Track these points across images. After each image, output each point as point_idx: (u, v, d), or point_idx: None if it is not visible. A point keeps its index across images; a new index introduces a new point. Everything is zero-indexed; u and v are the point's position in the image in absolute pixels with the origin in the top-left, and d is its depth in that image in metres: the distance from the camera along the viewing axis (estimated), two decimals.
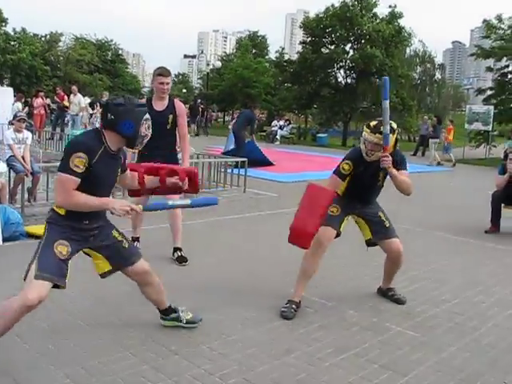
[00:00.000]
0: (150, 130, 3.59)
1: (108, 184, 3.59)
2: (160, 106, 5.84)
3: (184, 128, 6.05)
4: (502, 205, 8.67)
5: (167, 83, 5.84)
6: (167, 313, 4.10)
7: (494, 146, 26.98)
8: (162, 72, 5.83)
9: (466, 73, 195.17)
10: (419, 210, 10.00)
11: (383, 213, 4.98)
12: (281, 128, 30.01)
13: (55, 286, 3.34)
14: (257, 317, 4.45)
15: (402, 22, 32.50)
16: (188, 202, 3.88)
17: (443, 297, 5.26)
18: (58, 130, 20.20)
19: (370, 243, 5.02)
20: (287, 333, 4.18)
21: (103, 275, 3.74)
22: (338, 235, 4.81)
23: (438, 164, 21.05)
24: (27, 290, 3.22)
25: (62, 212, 3.43)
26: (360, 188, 4.82)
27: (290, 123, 32.53)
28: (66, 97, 21.12)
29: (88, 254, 3.70)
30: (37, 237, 5.95)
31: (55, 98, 22.25)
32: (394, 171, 4.58)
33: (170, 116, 5.87)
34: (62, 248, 3.38)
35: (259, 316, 4.46)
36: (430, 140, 22.02)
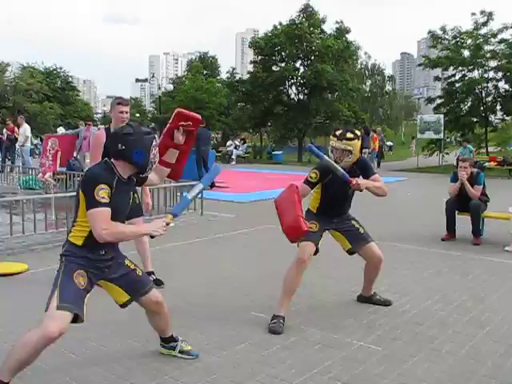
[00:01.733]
0: (158, 156, 3.64)
1: (124, 211, 3.61)
2: None
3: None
4: (456, 212, 8.85)
5: (126, 112, 5.85)
6: (168, 341, 4.10)
7: (447, 154, 27.57)
8: (121, 101, 5.88)
9: (416, 83, 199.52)
10: (376, 222, 10.06)
11: (355, 220, 5.23)
12: (236, 148, 30.08)
13: (73, 321, 3.31)
14: (218, 341, 4.40)
15: (349, 36, 33.14)
16: (200, 185, 3.77)
17: (403, 308, 5.32)
18: (8, 162, 19.86)
19: (350, 252, 5.25)
20: (250, 356, 4.14)
21: (124, 305, 3.77)
22: (316, 251, 4.94)
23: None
24: (48, 322, 3.20)
25: (78, 243, 3.44)
26: (333, 199, 5.02)
27: (245, 142, 32.67)
28: (15, 128, 20.80)
29: (101, 286, 3.69)
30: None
31: (4, 130, 21.91)
32: (368, 184, 4.81)
33: None
34: (81, 278, 3.40)
35: (221, 341, 4.42)
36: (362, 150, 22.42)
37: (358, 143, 4.82)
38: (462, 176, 8.47)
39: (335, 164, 4.72)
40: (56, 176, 14.02)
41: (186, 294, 5.71)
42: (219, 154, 30.74)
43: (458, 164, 10.00)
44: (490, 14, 25.98)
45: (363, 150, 21.72)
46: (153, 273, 6.06)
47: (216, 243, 8.42)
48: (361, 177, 4.97)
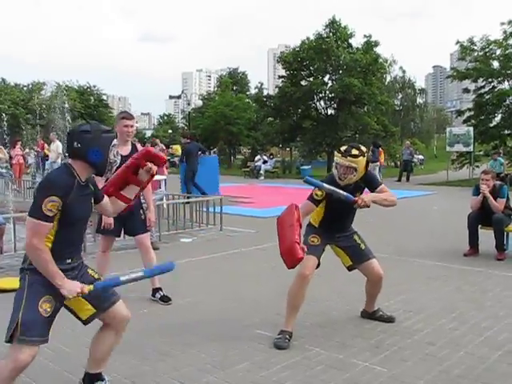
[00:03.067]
0: (119, 157, 3.47)
1: (84, 217, 3.41)
2: (124, 150, 5.75)
3: None
4: (480, 226, 8.59)
5: (131, 126, 5.88)
6: (92, 379, 3.62)
7: (477, 167, 27.03)
8: (125, 115, 5.91)
9: (449, 95, 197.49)
10: (399, 237, 9.89)
11: (357, 235, 5.13)
12: (264, 162, 30.00)
13: None
14: (220, 360, 4.28)
15: (378, 50, 32.89)
16: (140, 274, 3.50)
17: (415, 326, 5.12)
18: (39, 178, 20.10)
19: (350, 268, 5.18)
20: (249, 376, 4.01)
21: (87, 321, 3.47)
22: (317, 266, 4.85)
23: None
24: (17, 354, 3.07)
25: None
26: (336, 214, 4.92)
27: (273, 157, 32.56)
28: (45, 145, 21.14)
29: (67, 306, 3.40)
30: (4, 291, 5.80)
31: (35, 147, 22.30)
32: (374, 198, 4.69)
33: None
34: (46, 305, 3.17)
35: (222, 360, 4.30)
36: (371, 164, 22.29)
37: (363, 160, 4.68)
38: (484, 189, 8.23)
39: (337, 189, 4.59)
40: None
41: (193, 311, 5.62)
42: (247, 170, 30.73)
43: None
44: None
45: (374, 164, 22.00)
46: (160, 289, 6.00)
47: (232, 259, 8.31)
48: (366, 190, 4.83)
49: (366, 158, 4.73)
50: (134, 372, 4.07)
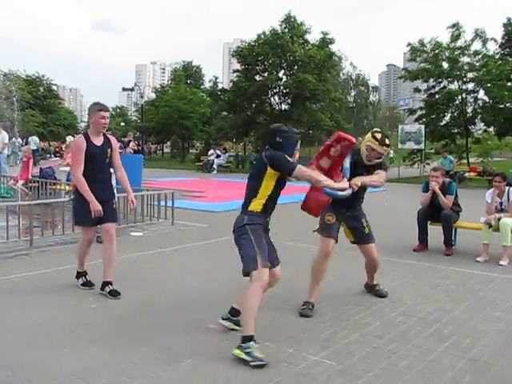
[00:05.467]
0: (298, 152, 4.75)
1: None
2: (98, 141, 5.90)
3: (119, 161, 6.20)
4: (429, 222, 8.73)
5: (107, 118, 6.00)
6: None
7: (428, 164, 27.55)
8: (103, 107, 5.98)
9: (402, 94, 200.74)
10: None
11: (365, 219, 5.81)
12: (218, 157, 29.91)
13: None
14: (168, 355, 4.22)
15: (333, 47, 33.14)
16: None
17: (365, 320, 5.17)
18: None
19: (353, 243, 5.92)
20: (197, 371, 3.97)
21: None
22: (336, 241, 5.53)
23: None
24: (262, 276, 4.27)
25: (258, 209, 4.49)
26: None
27: (226, 152, 32.47)
28: None
29: None
30: None
31: None
32: (362, 180, 5.22)
33: (108, 150, 5.97)
34: (264, 239, 4.51)
35: (171, 354, 4.24)
36: None
37: (388, 149, 5.54)
38: (433, 186, 8.37)
39: (344, 193, 5.01)
40: (29, 184, 13.83)
41: (142, 305, 5.53)
42: (200, 164, 30.59)
43: None
44: (458, 26, 26.15)
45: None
46: (110, 283, 5.92)
47: (183, 253, 8.23)
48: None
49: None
50: (79, 367, 3.98)
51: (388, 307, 5.60)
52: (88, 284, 6.13)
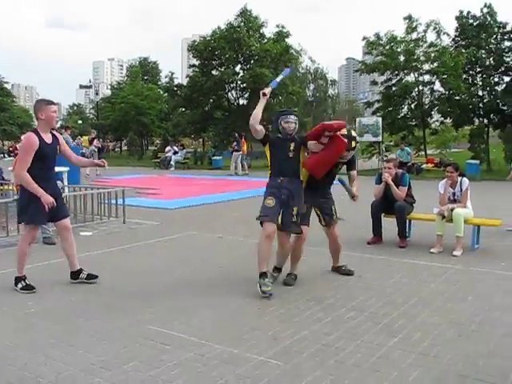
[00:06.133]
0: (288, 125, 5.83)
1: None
2: (48, 138, 5.71)
3: (69, 150, 6.15)
4: (383, 214, 8.66)
5: (57, 111, 5.88)
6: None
7: (386, 156, 27.71)
8: (51, 102, 5.81)
9: (362, 87, 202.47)
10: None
11: (334, 206, 6.55)
12: (175, 153, 29.54)
13: None
14: (107, 360, 4.00)
15: (292, 41, 33.07)
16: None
17: (315, 316, 5.02)
18: None
19: (324, 226, 6.58)
20: (137, 376, 3.75)
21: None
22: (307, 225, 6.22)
23: (246, 174, 24.08)
24: (264, 229, 5.58)
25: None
26: (316, 181, 6.12)
27: (183, 148, 32.10)
28: None
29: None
30: None
31: None
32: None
33: (57, 147, 5.83)
34: (269, 201, 5.68)
35: (110, 359, 4.02)
36: (234, 153, 25.17)
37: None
38: (386, 177, 8.30)
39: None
40: None
41: (82, 308, 5.28)
42: (158, 161, 30.20)
43: None
44: (411, 19, 26.40)
45: (237, 154, 24.88)
46: (82, 269, 6.13)
47: (132, 252, 7.97)
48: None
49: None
50: (14, 378, 3.73)
51: (339, 302, 5.47)
52: (28, 287, 5.85)
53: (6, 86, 57.52)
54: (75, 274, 6.11)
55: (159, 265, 7.10)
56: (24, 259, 5.93)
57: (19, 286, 5.85)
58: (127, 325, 4.79)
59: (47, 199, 5.54)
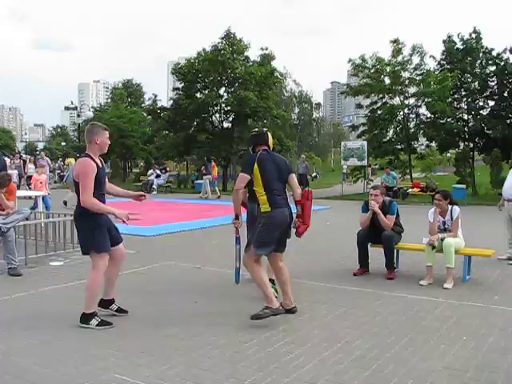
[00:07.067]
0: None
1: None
2: (99, 162, 5.57)
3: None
4: (370, 244, 8.24)
5: None
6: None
7: (371, 180, 27.45)
8: (106, 127, 5.77)
9: (347, 111, 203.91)
10: (287, 255, 9.38)
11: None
12: (157, 177, 29.04)
13: None
14: None
15: (277, 64, 32.81)
16: None
17: (296, 362, 4.54)
18: None
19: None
20: None
21: None
22: None
23: (218, 198, 24.02)
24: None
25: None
26: None
27: (166, 171, 31.56)
28: None
29: None
30: None
31: None
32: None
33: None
34: None
35: None
36: (204, 177, 25.02)
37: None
38: (373, 205, 7.89)
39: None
40: None
41: (40, 351, 4.78)
42: (140, 184, 29.67)
43: None
44: (399, 42, 26.32)
45: (206, 177, 24.69)
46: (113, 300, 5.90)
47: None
48: None
49: None
50: None
51: (324, 343, 5.00)
52: (105, 323, 5.51)
53: None
54: (106, 303, 5.84)
55: (130, 299, 6.55)
56: (97, 293, 5.59)
57: (93, 322, 5.44)
58: (91, 372, 4.30)
59: (123, 213, 5.49)
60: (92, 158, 5.48)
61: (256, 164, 5.68)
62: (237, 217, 5.94)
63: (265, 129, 6.09)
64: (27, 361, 4.55)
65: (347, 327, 5.53)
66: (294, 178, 6.02)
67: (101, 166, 5.60)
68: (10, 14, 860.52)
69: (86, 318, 5.45)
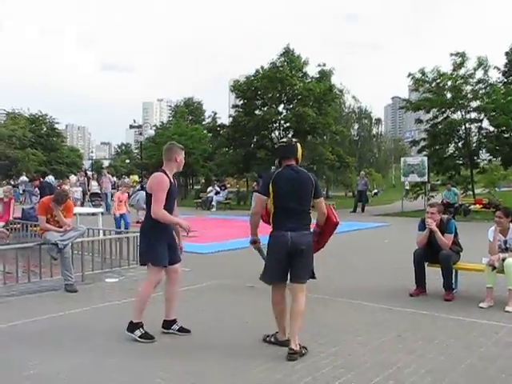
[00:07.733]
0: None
1: None
2: (172, 179, 5.81)
3: None
4: (427, 263, 7.97)
5: None
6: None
7: (432, 197, 26.80)
8: (183, 147, 6.03)
9: (408, 126, 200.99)
10: (343, 274, 9.24)
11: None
12: (217, 193, 29.19)
13: None
14: None
15: (335, 80, 32.65)
16: None
17: None
18: None
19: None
20: None
21: None
22: None
23: None
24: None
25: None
26: None
27: (225, 188, 31.68)
28: None
29: None
30: None
31: None
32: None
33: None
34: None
35: None
36: (255, 193, 24.17)
37: None
38: (430, 223, 7.63)
39: None
40: (10, 226, 13.17)
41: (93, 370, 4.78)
42: (199, 201, 29.90)
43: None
44: (463, 55, 25.65)
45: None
46: (176, 320, 5.98)
47: (157, 303, 7.42)
48: None
49: None
50: None
51: (373, 370, 4.80)
52: (147, 336, 5.66)
53: (57, 126, 59.08)
54: (168, 324, 5.97)
55: (180, 317, 6.53)
56: (146, 304, 5.78)
57: (137, 333, 5.62)
58: None
59: (186, 223, 5.72)
60: (167, 175, 5.65)
61: (271, 185, 5.26)
62: (254, 241, 5.69)
63: (294, 139, 5.66)
64: (75, 381, 4.56)
65: (400, 352, 5.31)
66: (321, 202, 5.53)
67: (174, 183, 5.77)
68: (78, 39, 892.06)
69: (132, 327, 5.65)
